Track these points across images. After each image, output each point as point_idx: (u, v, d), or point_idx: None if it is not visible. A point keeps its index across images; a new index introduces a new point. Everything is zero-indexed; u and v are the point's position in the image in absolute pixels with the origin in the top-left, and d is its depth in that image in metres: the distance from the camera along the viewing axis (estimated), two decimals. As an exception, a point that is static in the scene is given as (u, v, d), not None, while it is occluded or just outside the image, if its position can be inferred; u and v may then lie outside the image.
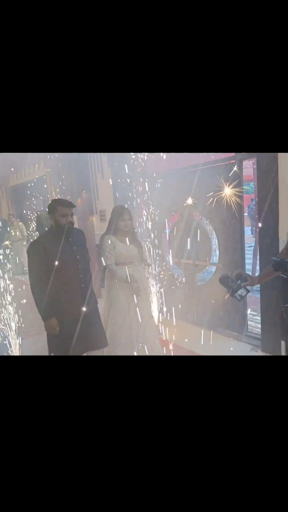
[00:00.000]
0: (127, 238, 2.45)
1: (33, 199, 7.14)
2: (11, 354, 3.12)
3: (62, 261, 2.05)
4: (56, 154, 5.40)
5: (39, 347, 3.40)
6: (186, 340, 3.08)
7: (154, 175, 3.79)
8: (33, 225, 6.51)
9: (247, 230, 8.39)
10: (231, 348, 2.97)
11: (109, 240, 2.41)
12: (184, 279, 3.74)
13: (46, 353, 3.19)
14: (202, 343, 3.00)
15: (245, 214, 10.19)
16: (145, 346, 2.43)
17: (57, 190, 5.78)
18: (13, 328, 3.28)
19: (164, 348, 2.78)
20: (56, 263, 2.02)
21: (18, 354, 3.16)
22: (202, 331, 3.24)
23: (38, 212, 5.96)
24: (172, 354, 2.87)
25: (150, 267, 2.65)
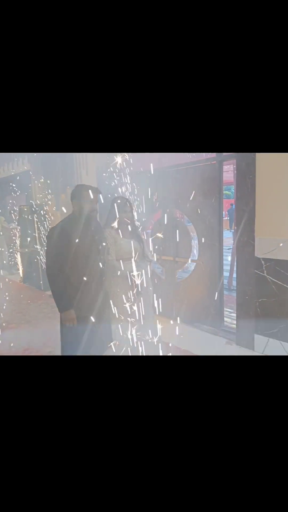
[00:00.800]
0: (128, 233, 2.29)
1: (16, 194, 7.04)
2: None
3: (84, 250, 1.92)
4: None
5: (18, 339, 3.40)
6: (169, 333, 3.16)
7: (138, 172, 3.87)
8: (15, 221, 6.44)
9: (228, 233, 8.61)
10: (207, 341, 3.08)
11: (110, 235, 2.22)
12: (164, 276, 3.83)
13: (24, 346, 3.20)
14: (181, 336, 3.09)
15: (227, 218, 10.44)
16: (143, 343, 2.29)
17: (39, 185, 5.76)
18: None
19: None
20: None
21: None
22: (181, 325, 3.34)
23: (21, 206, 5.93)
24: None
25: (151, 263, 2.48)
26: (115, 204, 2.26)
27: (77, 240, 1.91)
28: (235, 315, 3.07)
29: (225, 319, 3.39)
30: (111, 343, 2.21)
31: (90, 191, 1.97)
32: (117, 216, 2.23)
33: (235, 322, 3.09)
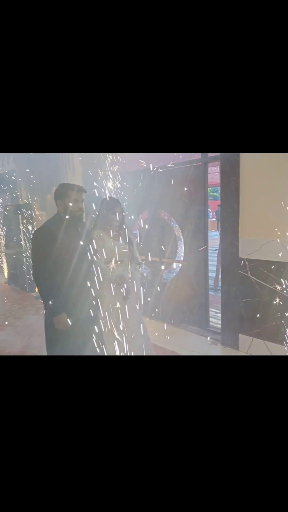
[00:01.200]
0: (118, 234, 2.18)
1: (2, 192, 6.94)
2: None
3: (72, 252, 1.85)
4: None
5: (3, 341, 3.35)
6: (156, 334, 3.17)
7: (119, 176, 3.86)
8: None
9: (216, 234, 8.68)
10: (193, 342, 3.10)
11: (99, 236, 2.12)
12: (149, 276, 3.83)
13: (8, 348, 3.15)
14: (167, 337, 3.10)
15: (214, 219, 10.54)
16: (128, 343, 2.22)
17: (24, 185, 5.69)
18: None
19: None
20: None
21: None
22: (166, 325, 3.35)
23: (8, 207, 5.84)
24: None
25: (141, 266, 2.38)
26: (104, 204, 2.16)
27: (61, 241, 1.85)
28: (220, 315, 3.09)
29: (211, 319, 3.42)
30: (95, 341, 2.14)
31: (74, 190, 1.90)
32: (107, 218, 2.13)
33: (220, 322, 3.11)
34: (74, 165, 4.70)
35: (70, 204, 1.88)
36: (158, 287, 3.68)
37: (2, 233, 5.97)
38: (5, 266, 5.98)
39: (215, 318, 3.52)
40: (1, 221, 6.05)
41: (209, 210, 9.69)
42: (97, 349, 2.05)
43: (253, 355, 2.71)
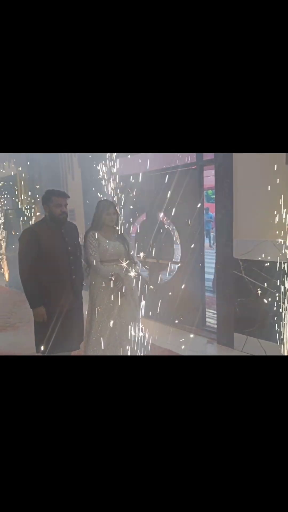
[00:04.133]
0: (113, 235, 2.29)
1: (1, 197, 7.03)
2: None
3: (54, 251, 2.06)
4: (27, 153, 5.41)
5: (3, 342, 3.42)
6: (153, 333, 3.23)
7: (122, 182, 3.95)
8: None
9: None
10: (189, 341, 3.16)
11: (94, 236, 2.22)
12: (147, 277, 3.90)
13: (8, 349, 3.22)
14: (166, 337, 3.17)
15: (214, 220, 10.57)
16: (128, 347, 2.30)
17: (25, 190, 5.78)
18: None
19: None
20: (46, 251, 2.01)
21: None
22: (163, 326, 3.41)
23: (9, 211, 5.93)
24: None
25: (136, 266, 2.48)
26: (98, 206, 2.30)
27: (44, 241, 2.06)
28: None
29: (208, 319, 3.48)
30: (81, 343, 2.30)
31: (57, 195, 2.11)
32: (102, 219, 2.25)
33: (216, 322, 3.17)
34: (74, 170, 4.79)
35: (54, 208, 2.10)
36: (156, 288, 3.75)
37: (2, 236, 6.06)
38: (6, 269, 6.06)
39: (212, 318, 3.58)
40: (2, 224, 6.14)
41: (209, 212, 9.64)
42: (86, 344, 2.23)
43: (248, 354, 2.77)
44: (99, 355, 2.25)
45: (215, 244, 3.12)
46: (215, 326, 3.23)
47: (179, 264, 3.57)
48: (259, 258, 2.59)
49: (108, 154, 3.99)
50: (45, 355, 2.10)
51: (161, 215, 3.72)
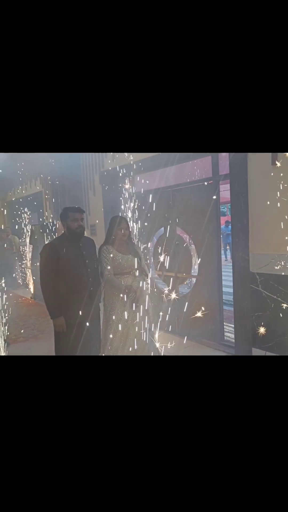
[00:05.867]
0: (125, 248, 2.43)
1: (28, 213, 7.36)
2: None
3: (72, 264, 2.20)
4: (52, 174, 5.68)
5: (25, 353, 3.54)
6: (169, 347, 3.24)
7: (142, 192, 4.06)
8: (24, 239, 6.71)
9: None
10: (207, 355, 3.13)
11: (108, 250, 2.36)
12: (166, 290, 3.93)
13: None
14: (182, 351, 3.16)
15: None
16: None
17: (50, 205, 6.04)
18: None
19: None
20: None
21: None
22: (181, 340, 3.41)
23: (32, 226, 6.21)
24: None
25: (148, 278, 2.61)
26: (111, 222, 2.45)
27: (63, 255, 2.18)
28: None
29: (227, 334, 3.45)
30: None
31: (73, 211, 2.27)
32: (115, 233, 2.39)
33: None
34: (95, 186, 4.98)
35: (71, 223, 2.24)
36: (173, 301, 3.77)
37: (28, 250, 6.32)
38: (31, 282, 6.29)
39: (231, 333, 3.54)
40: (28, 239, 6.41)
41: (230, 225, 9.57)
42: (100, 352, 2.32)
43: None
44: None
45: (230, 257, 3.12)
46: (233, 340, 3.19)
47: (196, 278, 3.59)
48: (277, 272, 2.57)
49: (126, 173, 4.12)
50: (46, 355, 2.20)
51: (179, 229, 3.78)
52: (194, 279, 3.66)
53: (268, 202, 2.59)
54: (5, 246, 6.76)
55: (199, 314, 3.41)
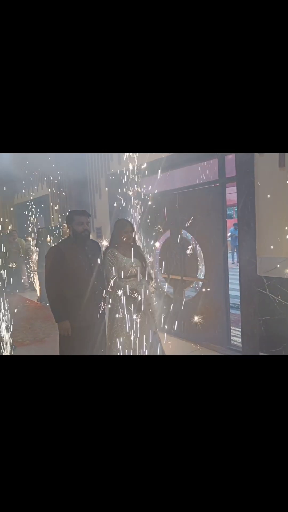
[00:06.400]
0: (130, 252, 2.40)
1: (37, 215, 7.41)
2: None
3: (77, 267, 2.18)
4: (58, 176, 5.71)
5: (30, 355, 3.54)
6: (174, 350, 3.22)
7: (148, 196, 4.05)
8: (31, 241, 6.75)
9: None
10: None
11: (112, 254, 2.35)
12: (172, 294, 3.91)
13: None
14: (189, 354, 3.13)
15: (229, 239, 10.37)
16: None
17: (56, 209, 6.06)
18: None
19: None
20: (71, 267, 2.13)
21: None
22: (188, 343, 3.38)
23: (40, 229, 6.24)
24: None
25: (153, 281, 2.58)
26: (116, 225, 2.44)
27: (68, 258, 2.16)
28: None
29: (234, 338, 3.41)
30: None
31: (78, 214, 2.26)
32: (119, 237, 2.38)
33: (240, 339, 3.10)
34: (101, 189, 4.98)
35: (76, 226, 2.23)
36: (180, 305, 3.74)
37: (35, 253, 6.34)
38: (37, 284, 6.31)
39: (238, 337, 3.50)
40: (35, 242, 6.44)
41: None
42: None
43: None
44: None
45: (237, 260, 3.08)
46: (240, 344, 3.15)
47: (203, 281, 3.56)
48: (284, 276, 2.53)
49: (134, 177, 4.12)
50: (46, 355, 2.19)
51: (185, 232, 3.76)
52: (200, 282, 3.63)
53: (276, 205, 2.55)
54: (12, 249, 6.81)
55: (196, 318, 3.39)
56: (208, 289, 3.41)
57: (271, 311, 2.65)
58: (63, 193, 5.79)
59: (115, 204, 4.30)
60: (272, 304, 2.64)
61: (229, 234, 9.00)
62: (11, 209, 8.88)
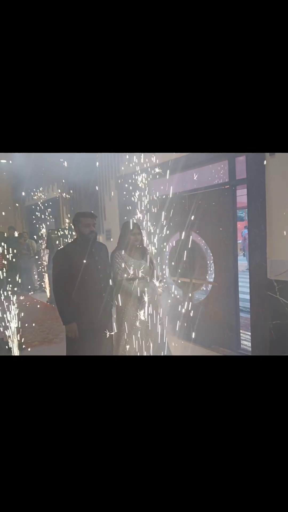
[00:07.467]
0: (138, 254, 2.40)
1: (47, 217, 7.49)
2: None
3: (84, 269, 2.17)
4: (69, 179, 5.75)
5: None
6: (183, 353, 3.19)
7: (157, 197, 4.04)
8: (41, 243, 6.82)
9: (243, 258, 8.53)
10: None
11: (120, 256, 2.34)
12: (180, 296, 3.88)
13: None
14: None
15: (239, 241, 10.28)
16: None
17: (66, 210, 6.11)
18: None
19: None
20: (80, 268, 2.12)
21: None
22: (197, 347, 3.35)
23: (49, 231, 6.29)
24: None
25: (161, 283, 2.59)
26: (124, 227, 2.44)
27: (76, 260, 2.16)
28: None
29: (243, 342, 3.36)
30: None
31: (85, 216, 2.25)
32: (127, 239, 2.36)
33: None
34: (111, 192, 5.00)
35: (83, 228, 2.22)
36: (189, 308, 3.72)
37: (46, 255, 6.40)
38: (47, 286, 6.36)
39: (248, 340, 3.45)
40: (45, 243, 6.50)
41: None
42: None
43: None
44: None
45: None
46: (250, 348, 3.11)
47: (212, 284, 3.52)
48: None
49: (141, 179, 4.12)
50: (47, 355, 2.19)
51: (194, 235, 3.73)
52: (210, 285, 3.60)
53: (287, 207, 2.51)
54: (23, 250, 6.89)
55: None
56: (218, 290, 3.37)
57: (282, 315, 2.60)
58: (74, 196, 5.83)
59: (128, 208, 4.31)
60: (283, 308, 2.59)
61: (243, 235, 8.92)
62: (22, 210, 9.00)
